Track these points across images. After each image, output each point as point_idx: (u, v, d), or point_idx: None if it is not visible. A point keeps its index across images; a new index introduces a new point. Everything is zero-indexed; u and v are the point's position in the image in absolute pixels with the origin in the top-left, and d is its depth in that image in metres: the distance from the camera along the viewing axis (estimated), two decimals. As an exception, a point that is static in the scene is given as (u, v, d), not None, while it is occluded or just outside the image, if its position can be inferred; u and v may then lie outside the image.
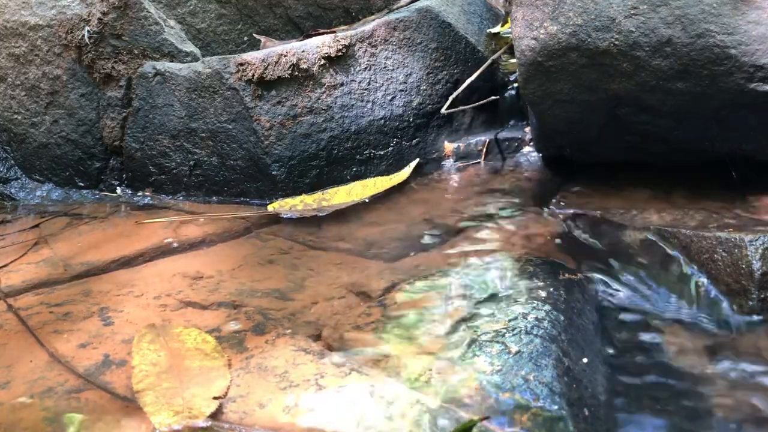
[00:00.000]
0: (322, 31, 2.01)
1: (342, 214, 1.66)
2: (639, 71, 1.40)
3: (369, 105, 1.84)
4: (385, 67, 1.85)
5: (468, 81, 1.89)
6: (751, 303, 1.15)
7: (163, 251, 1.55)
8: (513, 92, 1.98)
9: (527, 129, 1.90)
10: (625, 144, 1.57)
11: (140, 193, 1.98)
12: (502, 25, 2.07)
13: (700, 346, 1.11)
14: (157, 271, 1.45)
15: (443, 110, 1.87)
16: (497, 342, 1.04)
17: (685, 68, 1.36)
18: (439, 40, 1.91)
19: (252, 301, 1.28)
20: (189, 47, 1.98)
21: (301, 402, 0.97)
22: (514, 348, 1.02)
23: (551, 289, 1.19)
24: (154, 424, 0.95)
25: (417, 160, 1.86)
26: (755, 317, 1.14)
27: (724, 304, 1.18)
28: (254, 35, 2.18)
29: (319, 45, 1.80)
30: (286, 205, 1.74)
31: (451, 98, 1.88)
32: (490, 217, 1.55)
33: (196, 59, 1.95)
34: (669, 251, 1.29)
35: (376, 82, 1.85)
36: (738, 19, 1.30)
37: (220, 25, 2.17)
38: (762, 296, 1.14)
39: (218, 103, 1.82)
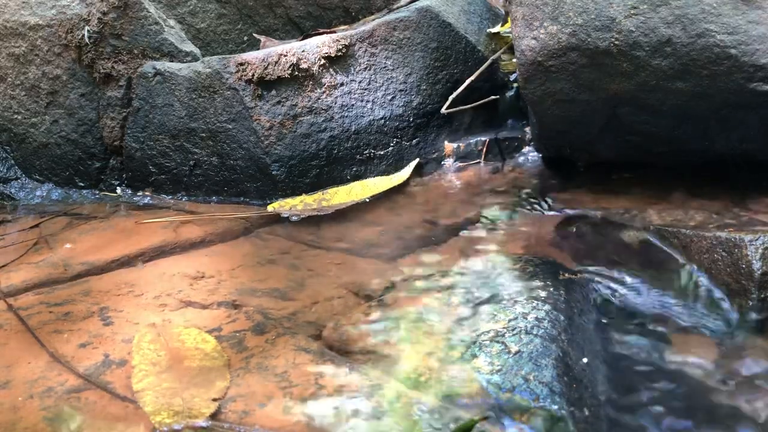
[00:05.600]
0: (322, 31, 2.01)
1: (342, 214, 1.66)
2: (639, 71, 1.40)
3: (369, 105, 1.84)
4: (385, 67, 1.85)
5: (468, 81, 1.89)
6: (751, 303, 1.15)
7: (163, 251, 1.55)
8: (513, 92, 1.98)
9: (527, 129, 1.90)
10: (625, 144, 1.57)
11: (140, 193, 1.98)
12: (502, 25, 2.07)
13: (700, 345, 1.11)
14: (157, 271, 1.45)
15: (443, 110, 1.87)
16: (497, 342, 1.04)
17: (685, 68, 1.36)
18: (439, 39, 1.91)
19: (252, 301, 1.28)
20: (189, 47, 1.98)
21: (300, 401, 0.97)
22: (514, 348, 1.02)
23: (551, 289, 1.19)
24: (154, 423, 0.94)
25: (417, 160, 1.86)
26: (755, 317, 1.14)
27: (724, 304, 1.18)
28: (254, 35, 2.18)
29: (319, 45, 1.80)
30: (286, 205, 1.74)
31: (451, 98, 1.88)
32: (490, 217, 1.55)
33: (196, 59, 1.95)
34: (669, 251, 1.29)
35: (376, 82, 1.85)
36: (738, 19, 1.30)
37: (220, 24, 2.17)
38: (762, 296, 1.14)
39: (218, 102, 1.82)
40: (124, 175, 2.03)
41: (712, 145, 1.48)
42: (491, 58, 1.95)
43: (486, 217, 1.55)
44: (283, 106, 1.78)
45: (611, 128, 1.54)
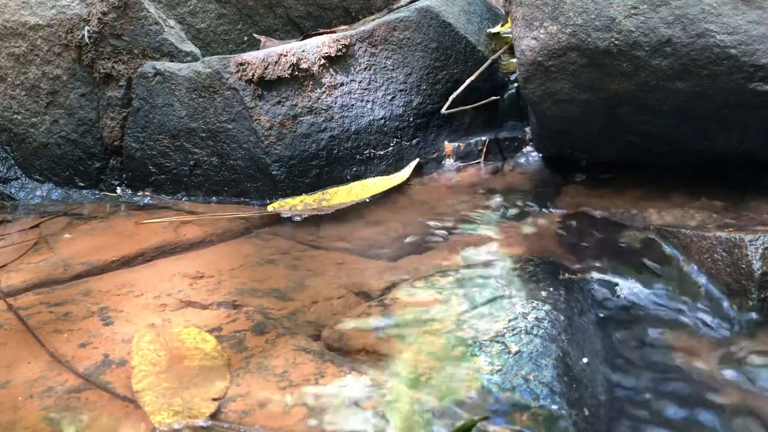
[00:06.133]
0: (322, 31, 2.01)
1: (342, 214, 1.66)
2: (639, 71, 1.40)
3: (369, 105, 1.84)
4: (385, 67, 1.85)
5: (468, 81, 1.89)
6: (751, 303, 1.15)
7: (163, 251, 1.55)
8: (513, 92, 1.98)
9: (527, 129, 1.90)
10: (625, 144, 1.57)
11: (140, 193, 1.98)
12: (502, 25, 2.07)
13: (700, 345, 1.11)
14: (157, 271, 1.45)
15: (443, 110, 1.88)
16: (497, 342, 1.04)
17: (685, 68, 1.36)
18: (439, 39, 1.91)
19: (252, 301, 1.28)
20: (189, 47, 1.98)
21: (300, 401, 0.97)
22: (514, 348, 1.02)
23: (551, 289, 1.19)
24: (154, 423, 0.95)
25: (417, 159, 1.86)
26: (755, 317, 1.14)
27: (724, 304, 1.18)
28: (254, 35, 2.18)
29: (319, 45, 1.80)
30: (286, 205, 1.74)
31: (451, 98, 1.88)
32: (490, 216, 1.55)
33: (196, 59, 1.95)
34: (669, 251, 1.29)
35: (376, 82, 1.85)
36: (738, 19, 1.30)
37: (220, 24, 2.17)
38: (762, 296, 1.14)
39: (218, 102, 1.82)
40: (124, 175, 2.03)
41: (712, 145, 1.48)
42: (491, 58, 1.95)
43: (486, 217, 1.55)
44: (283, 106, 1.78)
45: (611, 128, 1.54)
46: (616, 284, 1.27)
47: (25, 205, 2.07)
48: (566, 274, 1.26)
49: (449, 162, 1.89)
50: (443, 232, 1.51)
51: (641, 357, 1.10)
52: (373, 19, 1.97)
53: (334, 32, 1.91)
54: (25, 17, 2.03)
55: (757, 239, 1.16)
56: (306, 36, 1.98)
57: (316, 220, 1.65)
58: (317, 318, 1.20)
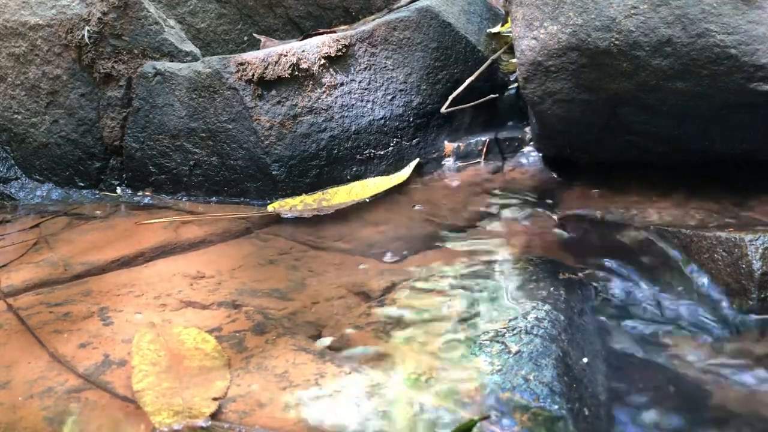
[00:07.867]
0: (322, 31, 2.01)
1: (342, 214, 1.66)
2: (639, 71, 1.40)
3: (369, 105, 1.84)
4: (385, 67, 1.85)
5: (468, 81, 1.89)
6: (751, 303, 1.15)
7: (163, 251, 1.55)
8: (513, 92, 1.98)
9: (527, 129, 1.90)
10: (625, 143, 1.57)
11: (140, 193, 1.98)
12: (502, 25, 2.07)
13: (700, 346, 1.11)
14: (157, 271, 1.45)
15: (443, 109, 1.87)
16: (497, 342, 1.04)
17: (685, 68, 1.36)
18: (439, 39, 1.91)
19: (252, 301, 1.28)
20: (189, 47, 1.98)
21: (300, 402, 0.97)
22: (514, 348, 1.02)
23: (551, 289, 1.19)
24: (154, 423, 0.95)
25: (417, 159, 1.86)
26: (755, 317, 1.14)
27: (724, 304, 1.18)
28: (254, 35, 2.18)
29: (319, 45, 1.80)
30: (286, 205, 1.74)
31: (451, 98, 1.88)
32: (489, 216, 1.55)
33: (196, 59, 1.95)
34: (669, 251, 1.29)
35: (376, 82, 1.85)
36: (738, 19, 1.30)
37: (220, 24, 2.17)
38: (762, 296, 1.14)
39: (218, 102, 1.82)
40: (124, 175, 2.03)
41: (712, 145, 1.48)
42: (491, 58, 1.95)
43: (486, 217, 1.55)
44: (283, 106, 1.78)
45: (611, 128, 1.54)
46: (616, 284, 1.27)
47: (25, 205, 2.07)
48: (566, 274, 1.26)
49: (449, 162, 1.89)
50: (443, 232, 1.51)
51: (641, 357, 1.10)
52: (373, 19, 1.97)
53: (334, 32, 1.91)
54: (25, 17, 2.03)
55: (757, 239, 1.16)
56: (306, 36, 1.97)
57: (316, 220, 1.65)
58: (317, 318, 1.20)
